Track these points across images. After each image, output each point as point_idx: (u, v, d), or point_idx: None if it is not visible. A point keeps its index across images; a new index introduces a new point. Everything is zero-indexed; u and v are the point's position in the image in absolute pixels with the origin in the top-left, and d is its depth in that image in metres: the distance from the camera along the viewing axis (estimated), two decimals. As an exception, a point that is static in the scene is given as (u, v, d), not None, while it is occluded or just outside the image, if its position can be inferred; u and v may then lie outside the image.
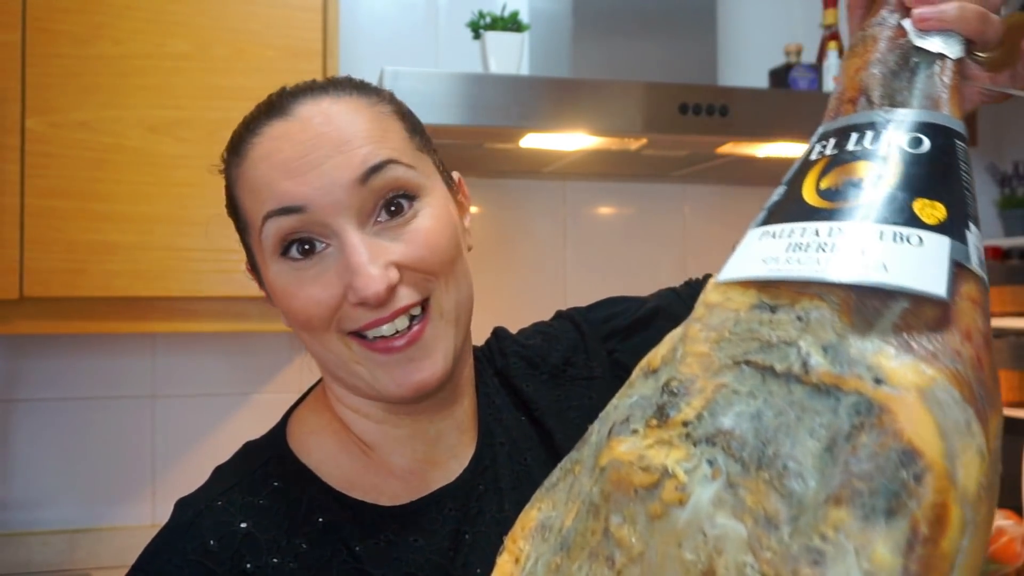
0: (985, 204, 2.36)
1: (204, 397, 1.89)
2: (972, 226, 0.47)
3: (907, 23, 0.54)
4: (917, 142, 0.50)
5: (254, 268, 0.73)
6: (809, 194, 0.50)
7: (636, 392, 0.54)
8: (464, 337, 0.73)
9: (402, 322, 0.67)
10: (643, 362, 0.56)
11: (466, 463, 0.76)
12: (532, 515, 0.59)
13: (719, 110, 1.65)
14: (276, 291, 0.69)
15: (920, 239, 0.46)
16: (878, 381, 0.42)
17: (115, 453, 1.84)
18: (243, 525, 0.68)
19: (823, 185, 0.50)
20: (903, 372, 0.42)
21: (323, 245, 0.67)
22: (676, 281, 0.97)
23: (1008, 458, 1.72)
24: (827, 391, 0.44)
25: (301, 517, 0.70)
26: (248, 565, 0.66)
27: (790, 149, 1.78)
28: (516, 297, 2.06)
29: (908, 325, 0.44)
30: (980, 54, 0.55)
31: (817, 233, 0.48)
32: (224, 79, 1.51)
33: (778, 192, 0.54)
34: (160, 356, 1.87)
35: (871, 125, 0.51)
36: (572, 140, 1.69)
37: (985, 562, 0.42)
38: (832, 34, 2.01)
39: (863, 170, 0.49)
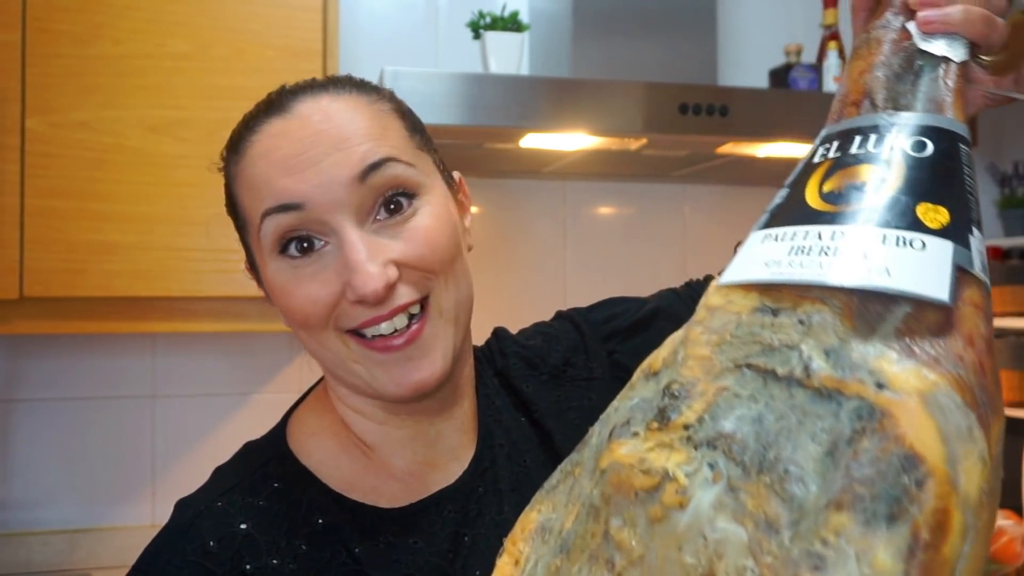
0: (985, 204, 2.36)
1: (204, 397, 1.89)
2: (975, 230, 0.47)
3: (911, 26, 0.54)
4: (921, 146, 0.50)
5: (253, 267, 0.73)
6: (812, 197, 0.50)
7: (637, 394, 0.54)
8: (464, 337, 0.73)
9: (401, 321, 0.67)
10: (644, 364, 0.55)
11: (466, 465, 0.76)
12: (532, 517, 0.59)
13: (719, 110, 1.65)
14: (274, 289, 0.69)
15: (923, 243, 0.46)
16: (880, 386, 0.42)
17: (115, 453, 1.84)
18: (243, 526, 0.68)
19: (826, 188, 0.50)
20: (905, 377, 0.42)
21: (322, 243, 0.67)
22: (676, 281, 0.97)
23: (1008, 458, 1.72)
24: (829, 395, 0.44)
25: (301, 518, 0.69)
26: (248, 566, 0.66)
27: (790, 149, 1.78)
28: (516, 297, 2.06)
29: (910, 330, 0.44)
30: (984, 57, 0.55)
31: (820, 236, 0.48)
32: (224, 79, 1.51)
33: (780, 195, 0.54)
34: (160, 356, 1.87)
35: (874, 128, 0.51)
36: (572, 140, 1.69)
37: (985, 562, 0.42)
38: (832, 34, 2.01)
39: (866, 173, 0.49)
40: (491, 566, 0.59)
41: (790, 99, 1.80)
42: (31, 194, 1.44)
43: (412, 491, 0.73)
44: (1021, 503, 1.77)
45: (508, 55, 1.77)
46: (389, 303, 0.66)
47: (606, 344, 0.87)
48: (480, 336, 0.86)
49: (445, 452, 0.76)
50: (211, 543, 0.66)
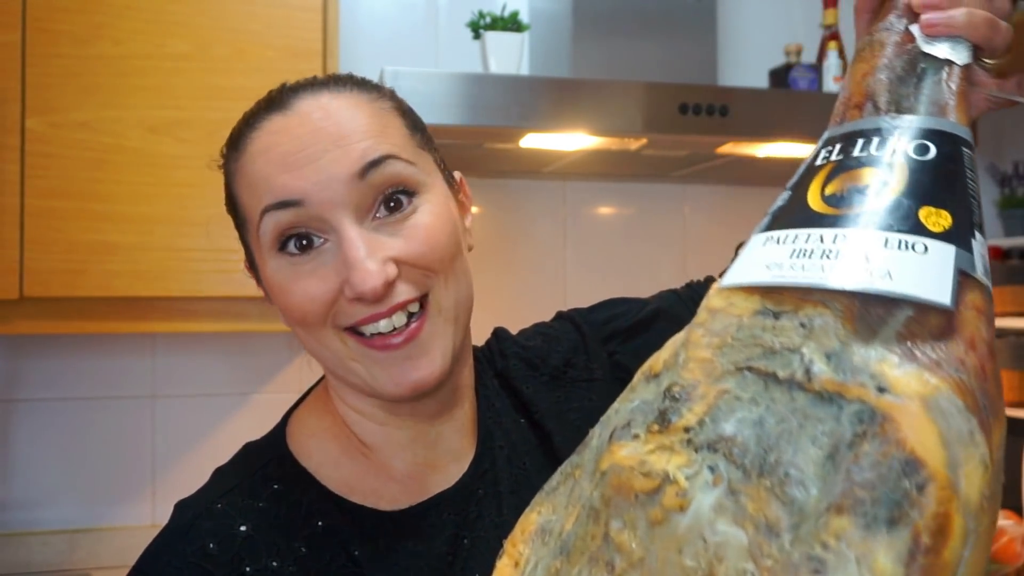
0: (985, 204, 2.36)
1: (204, 397, 1.89)
2: (977, 234, 0.47)
3: (915, 29, 0.54)
4: (923, 149, 0.49)
5: (252, 266, 0.73)
6: (814, 200, 0.50)
7: (638, 396, 0.54)
8: (463, 336, 0.73)
9: (400, 319, 0.66)
10: (645, 366, 0.55)
11: (465, 467, 0.76)
12: (532, 519, 0.59)
13: (719, 110, 1.65)
14: (273, 287, 0.69)
15: (925, 247, 0.46)
16: (881, 389, 0.42)
17: (115, 453, 1.84)
18: (243, 528, 0.68)
19: (828, 191, 0.50)
20: (906, 381, 0.42)
21: (321, 240, 0.66)
22: (676, 281, 0.97)
23: (1008, 458, 1.72)
24: (830, 399, 0.44)
25: (301, 520, 0.69)
26: (247, 568, 0.66)
27: (790, 149, 1.78)
28: (516, 297, 2.06)
29: (912, 334, 0.44)
30: (988, 60, 0.55)
31: (822, 239, 0.48)
32: (224, 79, 1.51)
33: (783, 197, 0.53)
34: (160, 356, 1.87)
35: (877, 131, 0.51)
36: (572, 140, 1.69)
37: (986, 566, 0.42)
38: (832, 34, 2.01)
39: (868, 177, 0.49)
40: (490, 569, 0.59)
41: (790, 99, 1.80)
42: (31, 194, 1.44)
43: (412, 493, 0.73)
44: (1021, 503, 1.77)
45: (508, 55, 1.77)
46: (388, 301, 0.65)
47: (607, 345, 0.87)
48: (480, 336, 0.86)
49: (445, 454, 0.76)
50: (211, 545, 0.66)
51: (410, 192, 0.68)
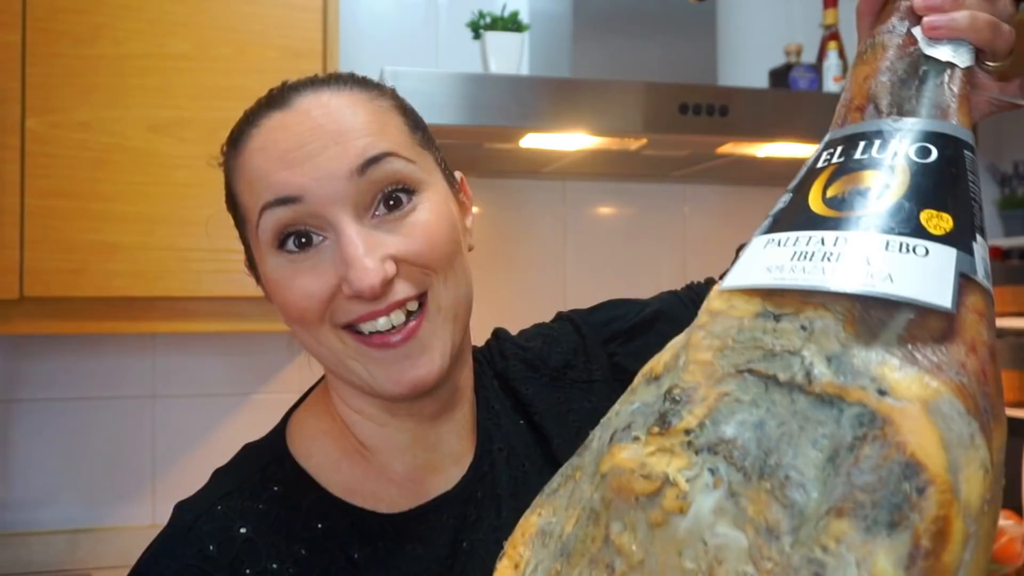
0: (985, 204, 2.36)
1: (204, 397, 1.89)
2: (979, 237, 0.47)
3: (917, 31, 0.54)
4: (925, 152, 0.49)
5: (252, 265, 0.73)
6: (815, 202, 0.50)
7: (638, 399, 0.54)
8: (463, 336, 0.73)
9: (398, 317, 0.66)
10: (645, 368, 0.55)
11: (465, 469, 0.76)
12: (532, 521, 0.59)
13: (719, 110, 1.65)
14: (271, 285, 0.69)
15: (926, 250, 0.46)
16: (882, 392, 0.42)
17: (115, 453, 1.84)
18: (243, 530, 0.68)
19: (829, 194, 0.50)
20: (907, 384, 0.42)
21: (320, 238, 0.66)
22: (676, 281, 0.97)
23: (1008, 458, 1.71)
24: (830, 401, 0.44)
25: (300, 523, 0.69)
26: (247, 571, 0.66)
27: (790, 149, 1.78)
28: (516, 297, 2.06)
29: (913, 337, 0.44)
30: (990, 63, 0.55)
31: (823, 242, 0.48)
32: (224, 79, 1.51)
33: (783, 200, 0.53)
34: (160, 356, 1.87)
35: (879, 134, 0.51)
36: (572, 140, 1.69)
37: (987, 569, 0.42)
38: (832, 34, 2.01)
39: (870, 179, 0.49)
40: (490, 571, 0.59)
41: (790, 99, 1.80)
42: (31, 194, 1.44)
43: (411, 496, 0.73)
44: (1021, 503, 1.77)
45: (508, 55, 1.77)
46: (386, 299, 0.65)
47: (606, 346, 0.87)
48: (480, 337, 0.86)
49: (445, 456, 0.75)
50: (210, 547, 0.66)
51: (409, 190, 0.67)
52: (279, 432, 0.76)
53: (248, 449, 0.76)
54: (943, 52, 0.53)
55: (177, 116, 1.49)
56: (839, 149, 0.52)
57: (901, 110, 0.52)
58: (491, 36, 1.76)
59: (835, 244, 0.47)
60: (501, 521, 0.73)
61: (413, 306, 0.67)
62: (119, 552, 1.79)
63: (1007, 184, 2.40)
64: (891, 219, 0.47)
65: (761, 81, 2.12)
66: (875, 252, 0.46)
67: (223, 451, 0.77)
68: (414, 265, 0.66)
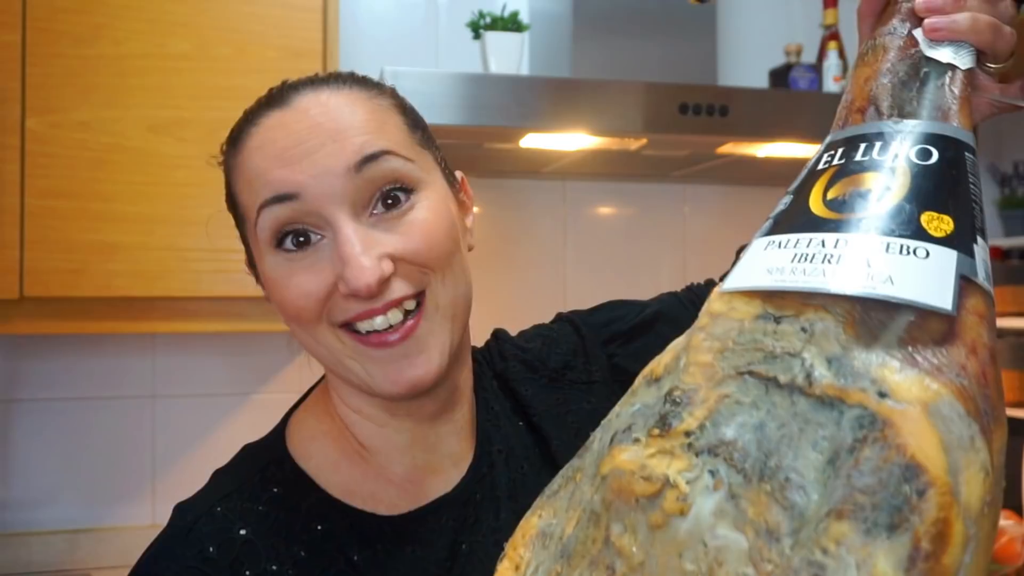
0: (985, 204, 2.36)
1: (204, 397, 1.89)
2: (979, 239, 0.47)
3: (918, 33, 0.54)
4: (926, 154, 0.49)
5: (252, 265, 0.73)
6: (816, 204, 0.50)
7: (638, 400, 0.54)
8: (461, 335, 0.72)
9: (395, 316, 0.66)
10: (646, 370, 0.55)
11: (464, 470, 0.76)
12: (533, 522, 0.59)
13: (719, 110, 1.65)
14: (270, 283, 0.68)
15: (927, 252, 0.46)
16: (882, 395, 0.42)
17: (115, 453, 1.84)
18: (242, 532, 0.67)
19: (830, 195, 0.50)
20: (907, 386, 0.42)
21: (318, 237, 0.66)
22: (676, 282, 0.97)
23: (1008, 458, 1.72)
24: (831, 403, 0.44)
25: (300, 525, 0.69)
26: (247, 572, 0.66)
27: (790, 149, 1.78)
28: (516, 297, 2.06)
29: (913, 339, 0.44)
30: (991, 65, 0.55)
31: (823, 244, 0.48)
32: (224, 79, 1.51)
33: (784, 201, 0.53)
34: (160, 356, 1.87)
35: (880, 135, 0.51)
36: (572, 140, 1.69)
37: (987, 570, 0.42)
38: (832, 34, 2.01)
39: (871, 181, 0.49)
40: (489, 574, 0.59)
41: (790, 99, 1.80)
42: (31, 194, 1.44)
43: (411, 497, 0.73)
44: (1021, 503, 1.77)
45: (508, 55, 1.77)
46: (383, 297, 0.65)
47: (606, 347, 0.87)
48: (479, 337, 0.85)
49: (444, 457, 0.75)
50: (210, 549, 0.66)
51: (408, 189, 0.67)
52: (279, 433, 0.76)
53: (247, 450, 0.76)
54: (944, 54, 0.53)
55: (177, 116, 1.49)
56: (840, 151, 0.52)
57: (902, 112, 0.52)
58: (491, 36, 1.76)
59: (836, 246, 0.47)
60: (500, 523, 0.73)
61: (411, 305, 0.67)
62: (119, 552, 1.79)
63: (1007, 184, 2.40)
64: (892, 221, 0.47)
65: (761, 81, 2.12)
66: (876, 254, 0.46)
67: (223, 451, 0.77)
68: (412, 264, 0.66)
